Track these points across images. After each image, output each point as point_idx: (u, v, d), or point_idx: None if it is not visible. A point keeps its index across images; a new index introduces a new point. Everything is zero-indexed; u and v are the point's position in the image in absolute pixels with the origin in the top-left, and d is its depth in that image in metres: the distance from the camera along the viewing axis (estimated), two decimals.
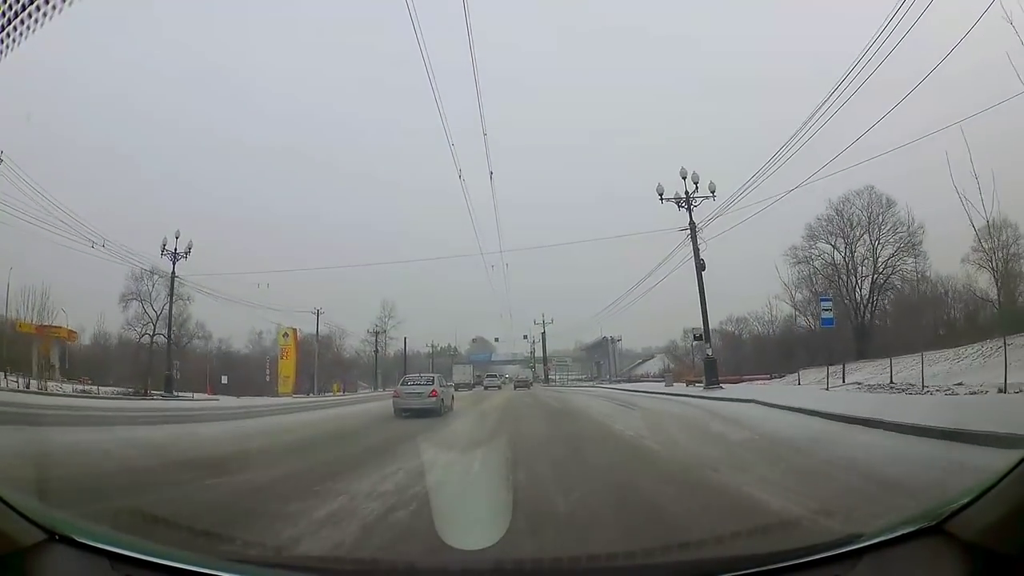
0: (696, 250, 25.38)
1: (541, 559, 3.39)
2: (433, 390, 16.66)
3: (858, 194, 32.95)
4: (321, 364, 46.52)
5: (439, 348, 56.03)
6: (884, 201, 32.69)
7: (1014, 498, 1.67)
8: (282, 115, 73.05)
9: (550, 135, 79.53)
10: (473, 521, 3.97)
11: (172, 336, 36.74)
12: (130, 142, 62.53)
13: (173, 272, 33.21)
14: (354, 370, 54.12)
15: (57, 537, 2.00)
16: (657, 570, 2.69)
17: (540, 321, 56.60)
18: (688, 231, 25.78)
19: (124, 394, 28.31)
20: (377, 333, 52.46)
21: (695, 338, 27.91)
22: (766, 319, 41.54)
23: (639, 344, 59.08)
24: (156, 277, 35.64)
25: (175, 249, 32.45)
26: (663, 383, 33.33)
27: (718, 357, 38.25)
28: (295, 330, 44.47)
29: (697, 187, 25.77)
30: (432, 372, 23.56)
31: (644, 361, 57.26)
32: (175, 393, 30.57)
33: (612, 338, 56.34)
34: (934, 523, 1.85)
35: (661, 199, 25.84)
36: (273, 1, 74.63)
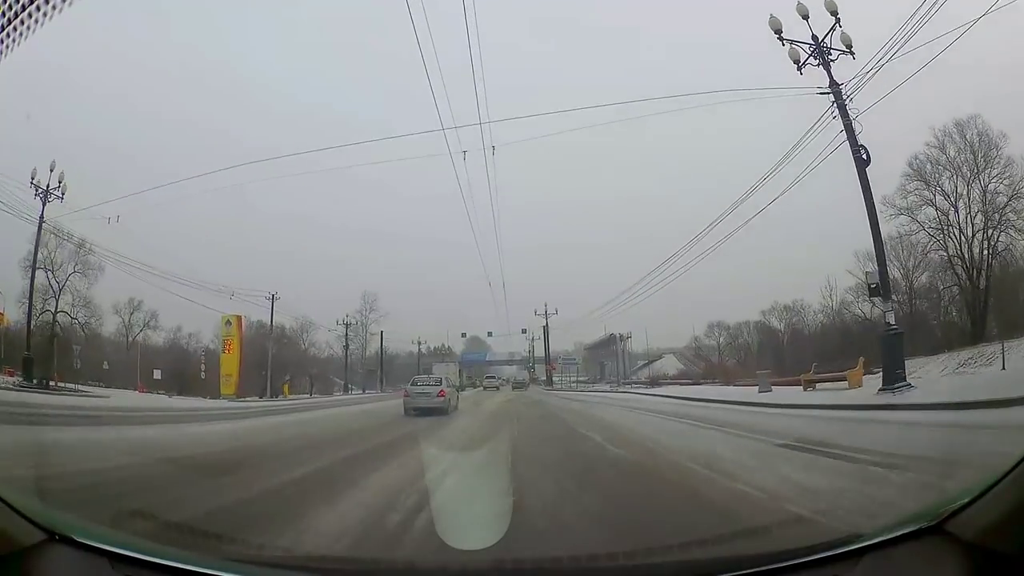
0: (849, 128, 16.38)
1: (541, 559, 3.38)
2: (441, 390, 17.72)
3: (957, 126, 24.86)
4: (281, 361, 40.51)
5: (432, 348, 50.58)
6: (992, 135, 24.36)
7: (1014, 498, 1.66)
8: (281, 115, 72.66)
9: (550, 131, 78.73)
10: (473, 521, 3.97)
11: (78, 317, 30.72)
12: (129, 141, 62.12)
13: (41, 217, 25.08)
14: (327, 369, 48.04)
15: (57, 537, 2.01)
16: (657, 570, 2.69)
17: (542, 311, 48.05)
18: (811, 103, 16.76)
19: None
20: (348, 324, 44.23)
21: (871, 290, 18.10)
22: (813, 308, 34.13)
23: (637, 346, 54.60)
24: (62, 238, 26.93)
25: (47, 186, 24.05)
26: (732, 388, 24.46)
27: (760, 357, 32.83)
28: (239, 317, 37.13)
29: (837, 21, 16.54)
30: (419, 372, 26.40)
31: (651, 362, 51.55)
32: (35, 382, 24.11)
33: (621, 335, 49.14)
34: (934, 523, 1.85)
35: (779, 38, 17.48)
36: (273, 2, 74.33)
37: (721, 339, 42.05)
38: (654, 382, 39.15)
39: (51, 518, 2.08)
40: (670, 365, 46.77)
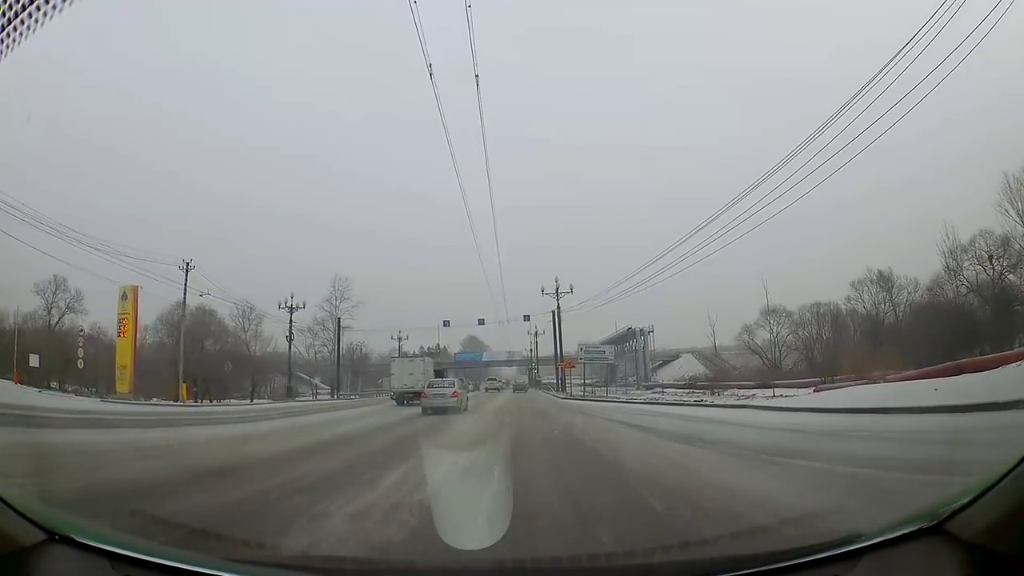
0: None
1: (541, 558, 3.38)
2: (455, 391, 20.31)
3: None
4: (213, 356, 32.99)
5: (426, 348, 44.56)
6: None
7: (1014, 498, 1.66)
8: (281, 115, 72.92)
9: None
10: (473, 521, 3.96)
11: None
12: (130, 141, 62.37)
13: None
14: (284, 368, 39.20)
15: (57, 537, 2.01)
16: (657, 570, 2.69)
17: (553, 290, 38.95)
18: None
19: None
20: (292, 308, 35.48)
21: None
22: (899, 281, 27.22)
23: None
24: None
25: None
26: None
27: (836, 348, 25.24)
28: (135, 288, 28.06)
29: None
30: (390, 372, 26.67)
31: (667, 363, 43.83)
32: None
33: (643, 330, 41.11)
34: (934, 523, 1.85)
35: None
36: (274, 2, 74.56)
37: (778, 329, 33.06)
38: (710, 387, 27.75)
39: (51, 518, 2.09)
40: (688, 366, 39.45)
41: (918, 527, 1.88)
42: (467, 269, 61.11)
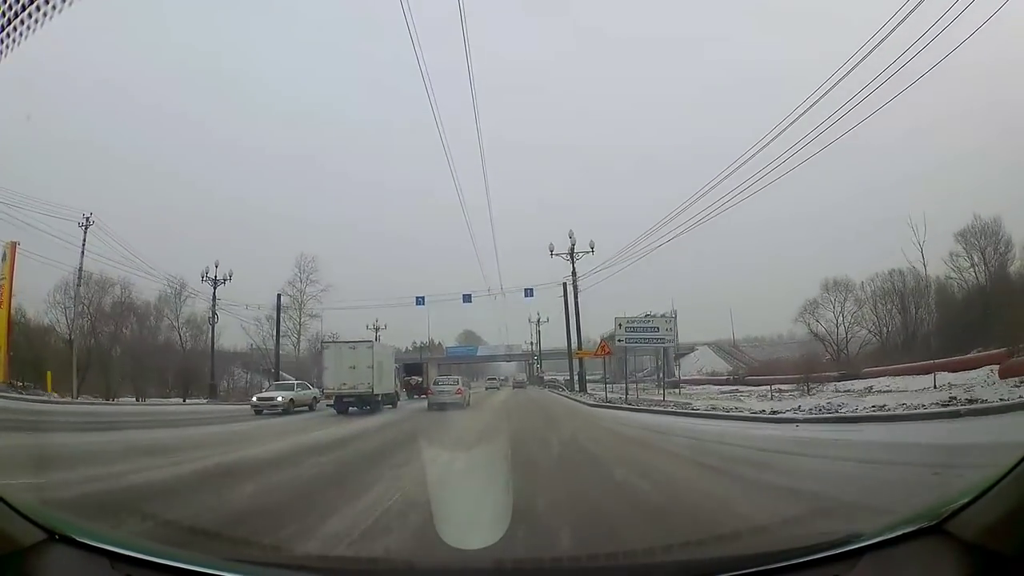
0: None
1: (541, 558, 3.38)
2: (459, 388, 21.61)
3: None
4: (123, 345, 26.61)
5: (419, 343, 40.08)
6: None
7: (1014, 498, 1.66)
8: (283, 115, 72.95)
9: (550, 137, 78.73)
10: (473, 520, 3.96)
11: None
12: (131, 141, 62.27)
13: None
14: (235, 362, 33.47)
15: (57, 537, 2.01)
16: (657, 569, 2.68)
17: (565, 251, 30.67)
18: None
19: None
20: (216, 281, 27.94)
21: None
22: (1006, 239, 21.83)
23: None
24: None
25: None
26: None
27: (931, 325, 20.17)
28: (14, 245, 22.13)
29: None
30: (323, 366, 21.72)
31: (681, 356, 38.11)
32: None
33: (666, 316, 29.70)
34: (934, 523, 1.85)
35: None
36: (276, 4, 74.61)
37: (843, 306, 26.38)
38: (741, 381, 22.50)
39: (51, 518, 2.09)
40: (705, 359, 35.14)
41: (918, 527, 1.88)
42: (462, 257, 59.64)
